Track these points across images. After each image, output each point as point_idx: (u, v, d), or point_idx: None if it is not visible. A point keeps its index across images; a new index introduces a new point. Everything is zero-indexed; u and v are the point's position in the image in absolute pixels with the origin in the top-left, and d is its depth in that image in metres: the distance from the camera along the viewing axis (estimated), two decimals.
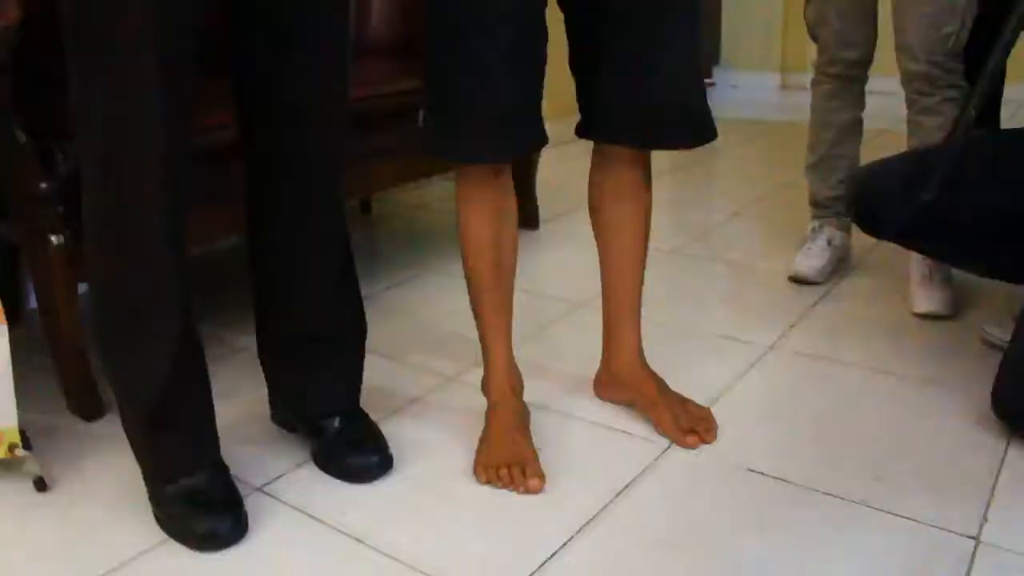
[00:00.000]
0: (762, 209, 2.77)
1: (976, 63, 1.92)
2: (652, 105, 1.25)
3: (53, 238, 1.46)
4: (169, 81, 1.06)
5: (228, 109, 1.26)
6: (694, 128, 1.29)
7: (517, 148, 1.26)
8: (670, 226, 2.59)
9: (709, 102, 1.32)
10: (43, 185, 1.45)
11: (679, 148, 1.31)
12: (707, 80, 5.18)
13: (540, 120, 1.26)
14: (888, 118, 2.74)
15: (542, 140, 1.27)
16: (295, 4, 1.16)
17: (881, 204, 1.40)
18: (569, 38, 1.31)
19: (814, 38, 2.09)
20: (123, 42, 1.03)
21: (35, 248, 1.50)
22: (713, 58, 5.32)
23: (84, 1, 1.05)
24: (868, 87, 2.11)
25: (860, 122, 2.14)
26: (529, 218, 2.52)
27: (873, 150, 2.04)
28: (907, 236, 1.56)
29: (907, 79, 1.92)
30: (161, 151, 1.07)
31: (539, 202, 2.58)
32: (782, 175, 3.08)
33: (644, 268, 1.44)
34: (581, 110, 1.33)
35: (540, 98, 1.25)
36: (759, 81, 5.26)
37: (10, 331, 1.30)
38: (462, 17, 1.17)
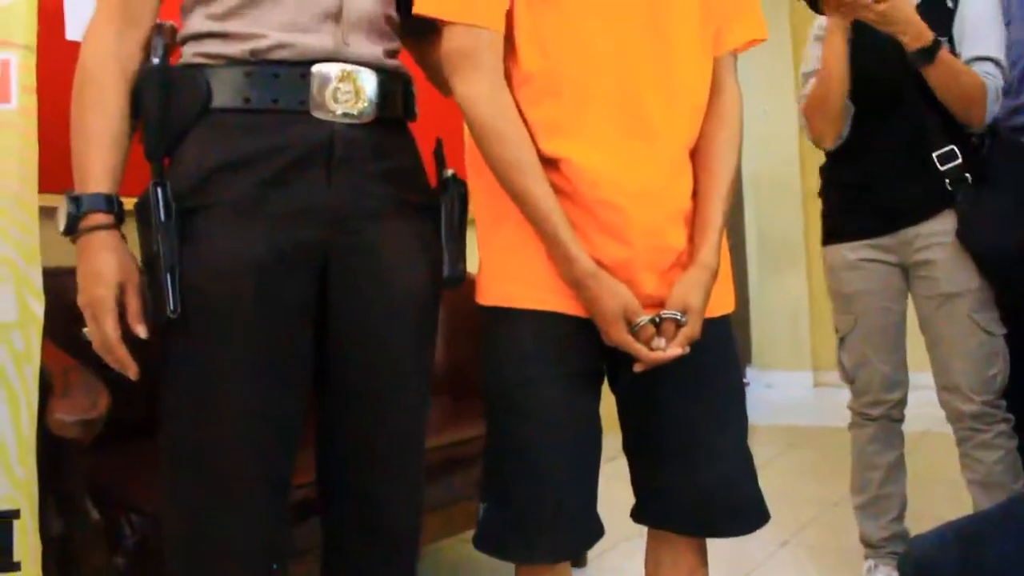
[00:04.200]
0: (811, 536, 2.73)
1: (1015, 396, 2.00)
2: (706, 495, 1.29)
3: None
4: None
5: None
6: (748, 516, 1.32)
7: (575, 549, 1.31)
8: (717, 564, 2.52)
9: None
10: (112, 559, 1.49)
11: (732, 536, 1.32)
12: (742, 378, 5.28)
13: (596, 517, 1.29)
14: (925, 418, 2.69)
15: (598, 535, 1.30)
16: (379, 387, 1.27)
17: None
18: (622, 424, 1.37)
19: (850, 381, 2.16)
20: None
21: None
22: (745, 358, 5.46)
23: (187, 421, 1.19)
24: None
25: (903, 459, 2.17)
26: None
27: (919, 460, 2.04)
28: None
29: (957, 417, 1.98)
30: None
31: None
32: (826, 492, 3.05)
33: None
34: (636, 494, 1.36)
35: (595, 495, 1.30)
36: (792, 380, 5.35)
37: None
38: (524, 419, 1.24)
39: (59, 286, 1.58)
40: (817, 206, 5.06)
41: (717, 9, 1.31)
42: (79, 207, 1.16)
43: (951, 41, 1.92)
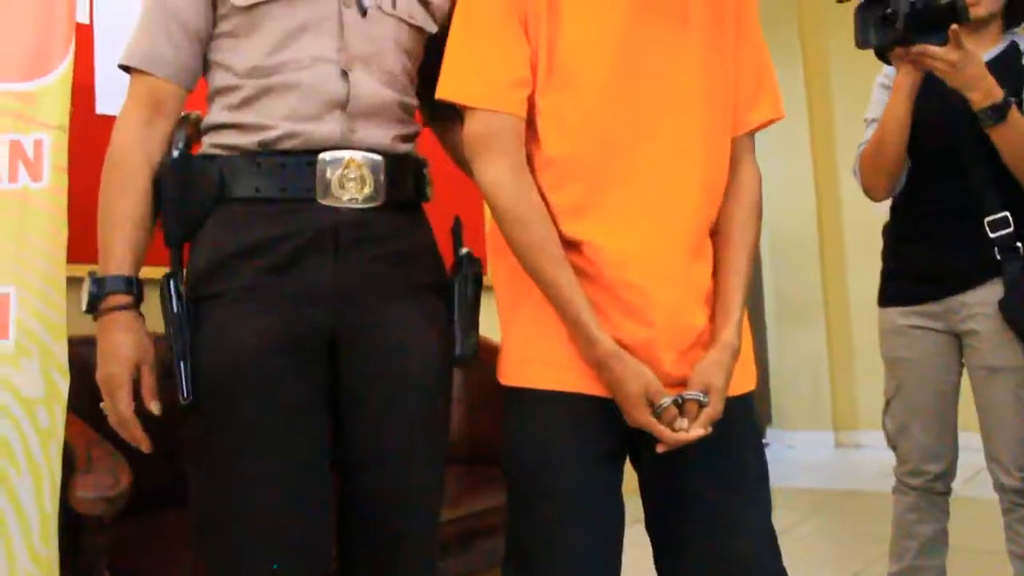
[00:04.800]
0: None
1: None
2: (730, 574, 1.28)
3: None
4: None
5: None
6: None
7: None
8: None
9: None
10: None
11: None
12: (763, 440, 5.24)
13: None
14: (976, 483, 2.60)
15: None
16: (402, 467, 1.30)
17: None
18: (644, 502, 1.36)
19: (893, 448, 2.09)
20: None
21: None
22: (765, 418, 5.41)
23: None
24: None
25: (945, 532, 2.08)
26: None
27: (964, 525, 1.98)
28: None
29: (1000, 488, 1.92)
30: None
31: None
32: (851, 559, 2.99)
33: None
34: (659, 573, 1.35)
35: (619, 562, 1.29)
36: (813, 440, 5.28)
37: None
38: (547, 501, 1.24)
39: (83, 355, 1.60)
40: (834, 263, 5.07)
41: (734, 90, 1.33)
42: (100, 288, 1.22)
43: (1020, 103, 1.83)
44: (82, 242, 1.55)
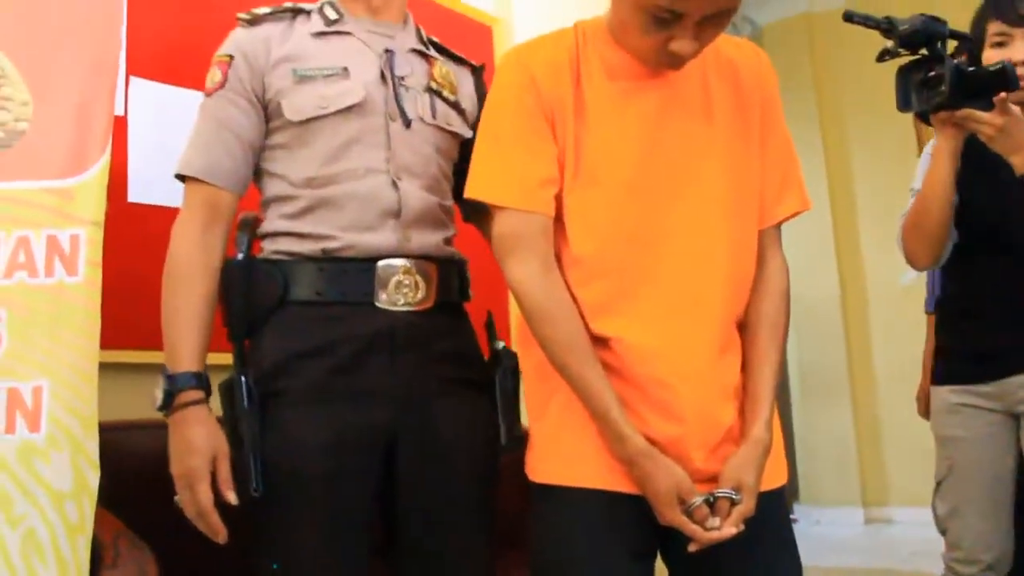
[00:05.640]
0: None
1: None
2: None
3: None
4: None
5: None
6: None
7: None
8: None
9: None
10: None
11: None
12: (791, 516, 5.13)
13: None
14: None
15: None
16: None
17: None
18: None
19: (943, 532, 2.00)
20: None
21: None
22: (791, 494, 5.32)
23: None
24: None
25: None
26: None
27: None
28: None
29: None
30: None
31: None
32: None
33: None
34: None
35: None
36: (842, 517, 5.16)
37: None
38: None
39: (110, 441, 1.59)
40: (859, 337, 5.05)
41: (760, 183, 1.34)
42: (174, 385, 1.28)
43: None
44: (112, 328, 1.57)
